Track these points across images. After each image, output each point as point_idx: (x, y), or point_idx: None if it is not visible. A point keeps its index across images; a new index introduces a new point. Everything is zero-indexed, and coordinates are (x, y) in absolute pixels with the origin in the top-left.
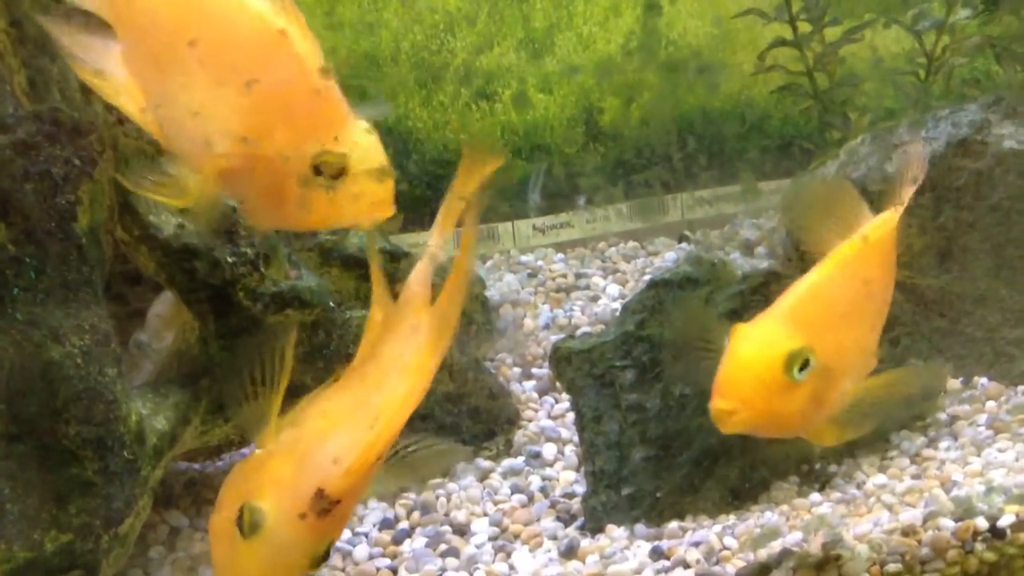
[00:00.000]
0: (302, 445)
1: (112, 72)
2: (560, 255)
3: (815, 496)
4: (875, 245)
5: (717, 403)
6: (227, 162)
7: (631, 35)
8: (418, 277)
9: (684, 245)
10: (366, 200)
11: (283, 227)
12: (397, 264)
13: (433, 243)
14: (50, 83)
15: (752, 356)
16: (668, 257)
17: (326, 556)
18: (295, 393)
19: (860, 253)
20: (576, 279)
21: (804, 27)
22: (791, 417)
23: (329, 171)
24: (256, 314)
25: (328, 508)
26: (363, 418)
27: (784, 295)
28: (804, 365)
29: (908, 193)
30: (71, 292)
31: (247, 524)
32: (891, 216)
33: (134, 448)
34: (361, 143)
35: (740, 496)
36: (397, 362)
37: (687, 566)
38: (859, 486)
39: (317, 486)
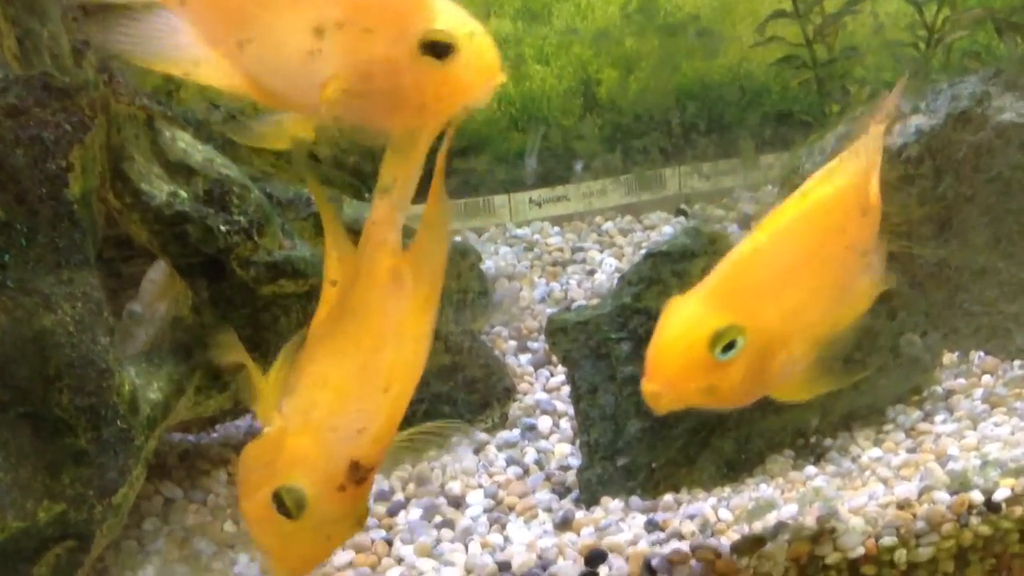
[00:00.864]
0: (316, 418)
1: (193, 56)
2: (557, 228)
3: (810, 469)
4: (837, 189)
5: (645, 385)
6: (338, 79)
7: (628, 4)
8: (381, 215)
9: (681, 219)
10: (479, 71)
11: (405, 126)
12: None
13: (387, 173)
14: (40, 48)
15: (676, 336)
16: (665, 231)
17: (367, 513)
18: None
19: (812, 206)
20: (572, 253)
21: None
22: (727, 394)
23: (438, 49)
24: (249, 283)
25: (364, 477)
26: (373, 384)
27: (720, 263)
28: (731, 345)
29: (883, 121)
30: (63, 259)
31: (292, 506)
32: (863, 147)
33: (127, 417)
34: (457, 16)
35: (735, 468)
36: (389, 319)
37: (682, 538)
38: (854, 459)
39: (350, 458)
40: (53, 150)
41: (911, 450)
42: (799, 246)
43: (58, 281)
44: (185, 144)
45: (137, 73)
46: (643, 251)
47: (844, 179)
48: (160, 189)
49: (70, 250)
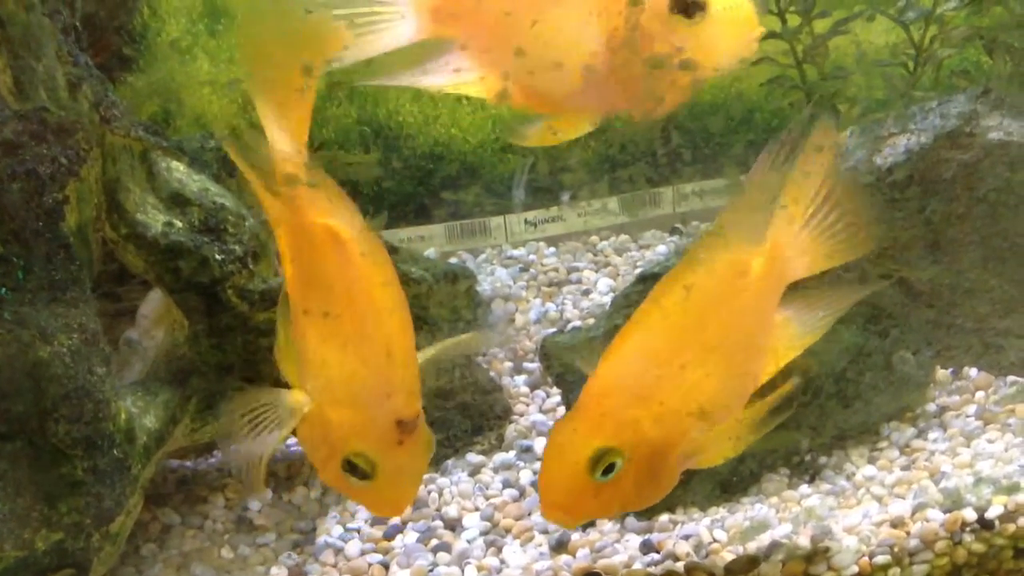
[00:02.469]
0: (347, 393)
1: (468, 77)
2: (552, 249)
3: (804, 488)
4: (706, 263)
5: (543, 513)
6: (604, 57)
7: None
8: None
9: (675, 238)
10: (731, 36)
11: (666, 99)
12: None
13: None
14: (36, 82)
15: (557, 466)
16: (659, 250)
17: (432, 439)
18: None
19: (680, 290)
20: (568, 273)
21: (794, 20)
22: (628, 503)
23: (687, 6)
24: (245, 311)
25: (413, 426)
26: (376, 357)
27: (599, 366)
28: (611, 467)
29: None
30: (59, 291)
31: (367, 470)
32: (741, 209)
33: (124, 446)
34: None
35: (730, 489)
36: (362, 284)
37: (677, 559)
38: (848, 477)
39: (395, 419)
40: (49, 184)
41: (905, 467)
42: (674, 334)
43: (54, 313)
44: (180, 174)
45: (131, 104)
46: (638, 271)
47: (712, 251)
48: (156, 220)
49: (66, 282)
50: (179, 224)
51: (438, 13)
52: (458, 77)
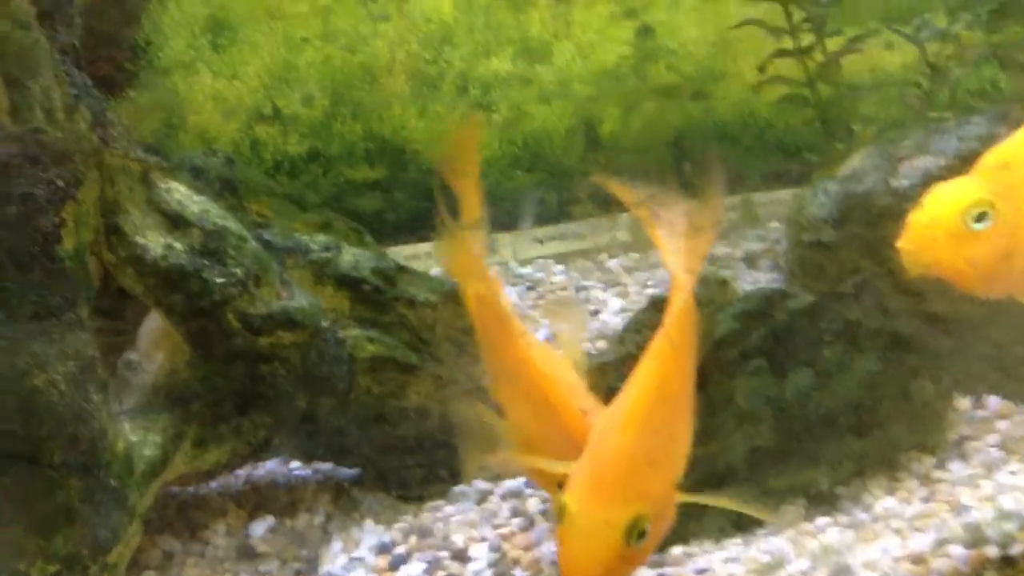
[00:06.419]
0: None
1: None
2: (561, 267)
3: (821, 520)
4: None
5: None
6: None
7: (630, 44)
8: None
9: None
10: None
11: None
12: (393, 285)
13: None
14: (32, 103)
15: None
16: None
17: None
18: (287, 415)
19: (674, 354)
20: (577, 292)
21: (807, 37)
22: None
23: None
24: (246, 336)
25: None
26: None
27: (610, 436)
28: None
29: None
30: (55, 317)
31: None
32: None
33: (121, 475)
34: None
35: (744, 521)
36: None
37: None
38: (867, 509)
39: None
40: (46, 207)
41: (925, 499)
42: (674, 393)
43: (50, 340)
44: (180, 196)
45: (133, 120)
46: (648, 291)
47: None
48: (155, 242)
49: (62, 307)
50: (179, 247)
51: None
52: None
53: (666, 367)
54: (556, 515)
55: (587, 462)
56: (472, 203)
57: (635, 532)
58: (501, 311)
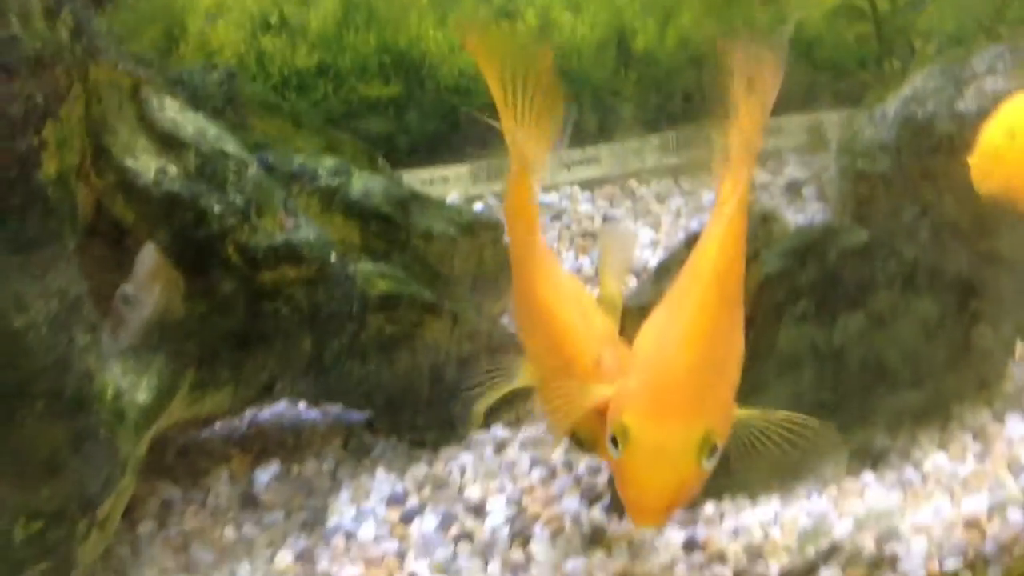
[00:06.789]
0: None
1: None
2: (587, 194)
3: (867, 476)
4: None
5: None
6: None
7: None
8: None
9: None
10: None
11: None
12: (407, 215)
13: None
14: (6, 8)
15: (664, 464)
16: (707, 198)
17: None
18: (293, 357)
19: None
20: (604, 222)
21: None
22: (702, 482)
23: None
24: (247, 270)
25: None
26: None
27: (667, 350)
28: (712, 451)
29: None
30: (35, 250)
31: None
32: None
33: (111, 423)
34: None
35: (783, 473)
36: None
37: (725, 560)
38: (916, 465)
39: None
40: (22, 126)
41: (979, 456)
42: (727, 304)
43: (30, 277)
44: (175, 114)
45: (129, 30)
46: (682, 221)
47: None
48: (147, 166)
49: (44, 240)
50: (174, 170)
51: None
52: None
53: (722, 266)
54: (610, 442)
55: (644, 378)
56: (543, 143)
57: (706, 450)
58: (538, 253)
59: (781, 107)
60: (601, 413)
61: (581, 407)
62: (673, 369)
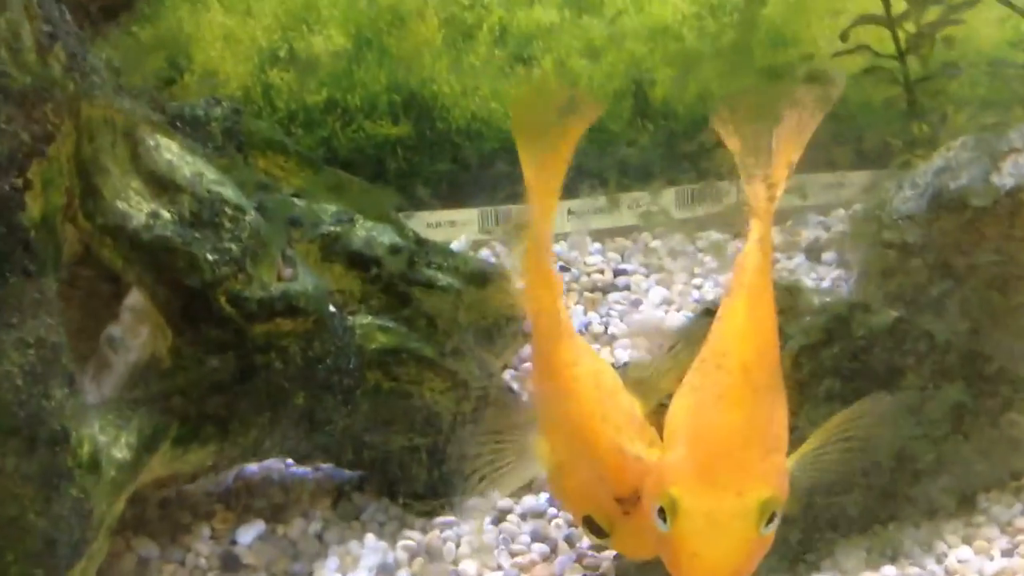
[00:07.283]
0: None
1: None
2: (597, 245)
3: (888, 569)
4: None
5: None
6: None
7: None
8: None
9: (740, 243)
10: None
11: None
12: (411, 266)
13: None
14: None
15: (726, 532)
16: (729, 251)
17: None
18: (283, 414)
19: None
20: (615, 276)
21: (900, 5)
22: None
23: None
24: (239, 322)
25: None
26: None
27: (717, 418)
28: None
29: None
30: (14, 297)
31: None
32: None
33: (85, 483)
34: None
35: (799, 560)
36: None
37: None
38: (939, 559)
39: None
40: (6, 166)
41: (1007, 552)
42: (769, 362)
43: (6, 324)
44: (172, 155)
45: (134, 59)
46: (696, 282)
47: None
48: (138, 209)
49: (23, 286)
50: (166, 215)
51: None
52: None
53: (756, 320)
54: (660, 516)
55: (686, 446)
56: (549, 207)
57: (766, 517)
58: (559, 331)
59: (804, 165)
60: (621, 500)
61: (605, 500)
62: (717, 432)
